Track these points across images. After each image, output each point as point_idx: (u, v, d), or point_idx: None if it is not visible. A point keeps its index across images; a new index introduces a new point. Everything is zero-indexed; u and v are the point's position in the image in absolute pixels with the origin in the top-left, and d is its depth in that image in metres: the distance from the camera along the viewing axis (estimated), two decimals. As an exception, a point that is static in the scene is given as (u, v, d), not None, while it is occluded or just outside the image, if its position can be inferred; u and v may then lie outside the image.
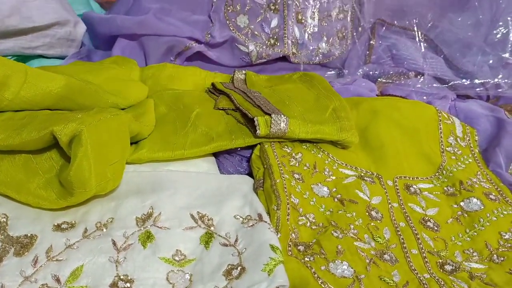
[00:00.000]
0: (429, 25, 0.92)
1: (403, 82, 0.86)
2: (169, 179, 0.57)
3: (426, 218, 0.58)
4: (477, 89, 0.87)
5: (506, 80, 0.86)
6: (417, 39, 0.92)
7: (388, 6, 0.95)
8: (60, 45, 0.76)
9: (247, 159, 0.64)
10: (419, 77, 0.87)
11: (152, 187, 0.55)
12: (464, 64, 0.88)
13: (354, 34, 0.96)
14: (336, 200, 0.57)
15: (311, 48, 0.92)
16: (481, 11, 0.89)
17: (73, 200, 0.50)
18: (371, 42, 0.93)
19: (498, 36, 0.88)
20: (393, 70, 0.88)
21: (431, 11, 0.93)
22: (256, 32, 0.90)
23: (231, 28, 0.89)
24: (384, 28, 0.94)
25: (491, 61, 0.88)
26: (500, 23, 0.88)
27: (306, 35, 0.91)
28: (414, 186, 0.62)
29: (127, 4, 0.88)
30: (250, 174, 0.62)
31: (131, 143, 0.62)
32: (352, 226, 0.54)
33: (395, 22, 0.93)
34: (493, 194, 0.61)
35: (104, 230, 0.50)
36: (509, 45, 0.87)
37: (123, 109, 0.67)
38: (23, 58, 0.80)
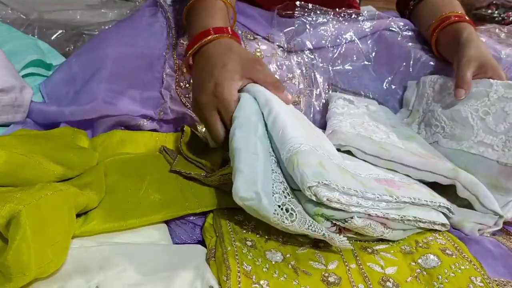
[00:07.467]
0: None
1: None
2: (118, 253, 0.54)
3: (385, 277, 0.57)
4: None
5: None
6: None
7: (340, 75, 0.98)
8: (5, 112, 0.72)
9: (200, 227, 0.62)
10: None
11: (99, 265, 0.52)
12: None
13: (310, 95, 0.96)
14: (290, 266, 0.56)
15: None
16: None
17: (11, 286, 0.46)
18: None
19: None
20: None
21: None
22: None
23: (185, 104, 0.87)
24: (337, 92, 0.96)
25: None
26: None
27: None
28: (370, 247, 0.61)
29: (75, 86, 0.84)
30: (204, 241, 0.60)
31: (80, 214, 0.60)
32: (308, 294, 0.53)
33: (349, 88, 0.95)
34: (449, 249, 0.61)
35: (45, 316, 0.47)
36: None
37: (71, 178, 0.65)
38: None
